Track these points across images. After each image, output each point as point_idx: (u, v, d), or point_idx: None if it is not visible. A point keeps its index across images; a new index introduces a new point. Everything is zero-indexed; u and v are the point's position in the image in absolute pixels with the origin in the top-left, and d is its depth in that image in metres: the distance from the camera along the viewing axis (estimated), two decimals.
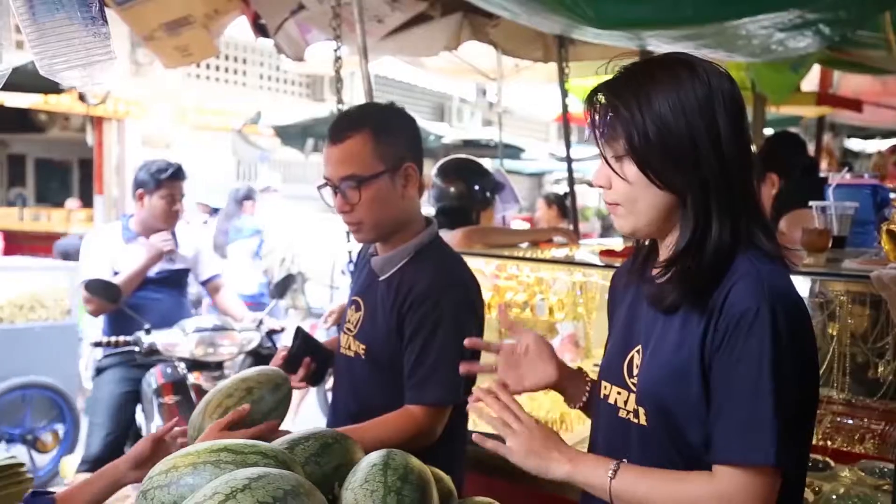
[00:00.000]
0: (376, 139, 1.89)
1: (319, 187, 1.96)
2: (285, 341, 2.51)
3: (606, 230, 11.95)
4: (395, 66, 9.12)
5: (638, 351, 1.34)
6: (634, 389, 1.33)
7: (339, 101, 3.33)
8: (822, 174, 3.87)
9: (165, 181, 3.63)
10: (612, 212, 1.33)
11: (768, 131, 5.59)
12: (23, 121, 10.94)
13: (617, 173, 1.27)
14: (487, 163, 3.77)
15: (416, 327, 1.88)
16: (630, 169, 1.26)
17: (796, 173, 3.52)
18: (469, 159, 3.56)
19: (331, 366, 2.15)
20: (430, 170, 3.65)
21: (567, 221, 6.24)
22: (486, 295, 2.91)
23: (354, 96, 10.70)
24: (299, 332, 2.13)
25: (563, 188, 9.35)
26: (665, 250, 1.32)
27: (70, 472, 3.72)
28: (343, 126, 1.92)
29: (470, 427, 2.07)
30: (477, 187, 3.35)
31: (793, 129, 5.97)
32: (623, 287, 1.47)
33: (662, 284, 1.28)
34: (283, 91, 12.69)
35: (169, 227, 3.71)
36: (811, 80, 5.84)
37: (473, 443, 1.36)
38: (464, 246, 2.96)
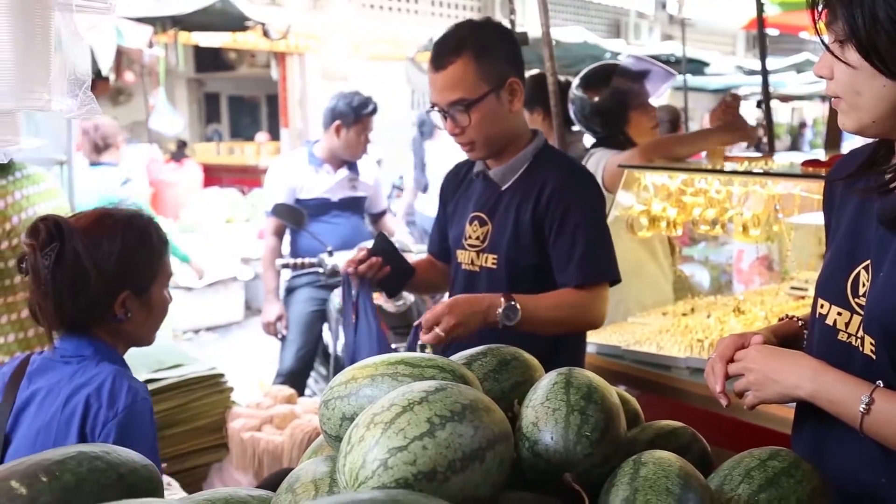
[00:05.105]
0: (478, 61, 1.93)
1: (428, 111, 2.05)
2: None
3: (794, 147, 11.01)
4: None
5: (866, 268, 1.16)
6: (860, 312, 1.15)
7: (512, 11, 3.18)
8: None
9: (365, 116, 3.76)
10: (834, 106, 1.15)
11: None
12: (215, 60, 11.65)
13: (839, 59, 1.09)
14: None
15: (562, 219, 1.95)
16: (853, 55, 1.07)
17: None
18: (609, 63, 3.19)
19: (408, 280, 2.21)
20: None
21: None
22: (671, 212, 2.72)
23: (527, 16, 10.39)
24: (379, 235, 2.26)
25: (752, 104, 8.65)
26: None
27: (266, 385, 4.00)
28: (444, 52, 1.96)
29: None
30: (624, 88, 3.01)
31: None
32: (844, 191, 1.26)
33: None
34: (454, 17, 12.59)
35: (357, 158, 3.85)
36: None
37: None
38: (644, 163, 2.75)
